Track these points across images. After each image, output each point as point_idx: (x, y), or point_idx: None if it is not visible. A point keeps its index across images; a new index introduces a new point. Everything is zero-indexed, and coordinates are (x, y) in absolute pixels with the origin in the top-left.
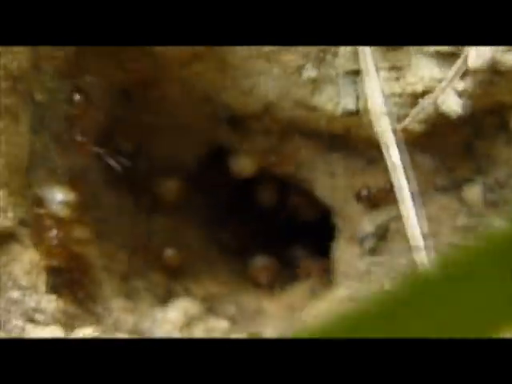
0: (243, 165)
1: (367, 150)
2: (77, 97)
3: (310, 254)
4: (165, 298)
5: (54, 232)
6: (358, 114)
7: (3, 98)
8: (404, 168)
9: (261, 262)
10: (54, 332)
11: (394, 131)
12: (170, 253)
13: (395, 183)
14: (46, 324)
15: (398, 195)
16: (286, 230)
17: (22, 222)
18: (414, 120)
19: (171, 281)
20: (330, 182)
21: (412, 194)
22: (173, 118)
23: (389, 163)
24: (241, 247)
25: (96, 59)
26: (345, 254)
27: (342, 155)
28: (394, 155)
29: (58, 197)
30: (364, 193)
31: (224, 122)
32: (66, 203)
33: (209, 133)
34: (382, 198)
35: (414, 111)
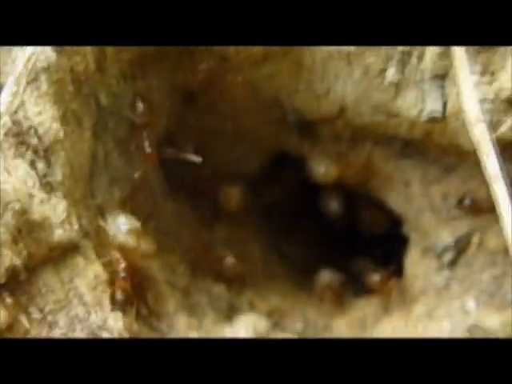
0: (325, 171)
1: (444, 158)
2: (140, 106)
3: (379, 268)
4: (228, 313)
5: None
6: (444, 121)
7: (69, 103)
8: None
9: (327, 278)
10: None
11: (491, 139)
12: (230, 262)
13: (495, 192)
14: None
15: (497, 204)
16: (353, 242)
17: (86, 235)
18: (509, 128)
19: (234, 294)
20: (404, 191)
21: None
22: (238, 122)
23: (487, 172)
24: (305, 260)
25: (160, 61)
26: (420, 267)
27: (417, 162)
28: (492, 164)
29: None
30: (467, 202)
31: (292, 128)
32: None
33: (275, 138)
34: (483, 207)
35: (511, 118)
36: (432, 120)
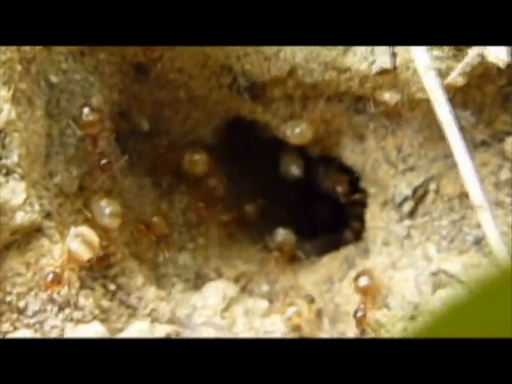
0: (303, 133)
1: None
2: (86, 112)
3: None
4: (196, 282)
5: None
6: (394, 72)
7: (18, 83)
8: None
9: (278, 238)
10: (96, 329)
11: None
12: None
13: (449, 139)
14: (85, 322)
15: (453, 150)
16: (312, 202)
17: (48, 215)
18: (459, 74)
19: (200, 263)
20: (359, 146)
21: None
22: (190, 91)
23: (441, 119)
24: (267, 223)
25: None
26: (380, 220)
27: (369, 117)
28: (445, 111)
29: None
30: None
31: (243, 92)
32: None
33: (228, 104)
34: None
35: (461, 64)
36: (382, 72)
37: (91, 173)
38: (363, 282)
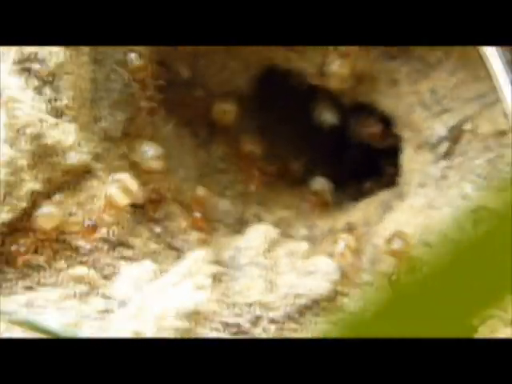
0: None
1: (428, 54)
2: (131, 58)
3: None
4: (236, 227)
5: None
6: None
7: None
8: None
9: (316, 185)
10: (148, 267)
11: None
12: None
13: (492, 68)
14: (137, 260)
15: (495, 80)
16: (346, 149)
17: (97, 157)
18: None
19: (240, 209)
20: (393, 91)
21: None
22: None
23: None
24: (305, 171)
25: None
26: (415, 162)
27: (402, 61)
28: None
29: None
30: None
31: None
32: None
33: (262, 53)
34: None
35: None
36: None
37: (135, 118)
38: (396, 244)
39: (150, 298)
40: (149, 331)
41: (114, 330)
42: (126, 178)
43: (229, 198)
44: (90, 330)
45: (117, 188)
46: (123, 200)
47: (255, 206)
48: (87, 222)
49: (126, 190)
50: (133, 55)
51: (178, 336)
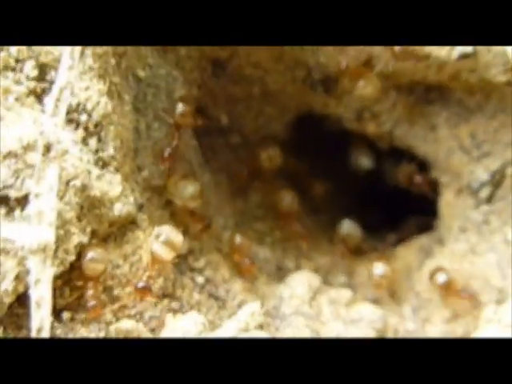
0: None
1: (468, 98)
2: (180, 107)
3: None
4: (277, 274)
5: None
6: (475, 55)
7: (112, 77)
8: None
9: (344, 230)
10: (195, 319)
11: None
12: None
13: None
14: (183, 312)
15: None
16: (381, 194)
17: (140, 208)
18: None
19: (279, 256)
20: (431, 135)
21: None
22: (264, 86)
23: None
24: (337, 216)
25: None
26: (455, 207)
27: (441, 106)
28: None
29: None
30: None
31: (317, 85)
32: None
33: (300, 98)
34: None
35: None
36: (463, 57)
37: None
38: (441, 278)
39: None
40: None
41: None
42: (170, 231)
43: (268, 244)
44: None
45: (162, 243)
46: (169, 255)
47: (293, 251)
48: (140, 284)
49: (171, 244)
50: (179, 104)
51: None
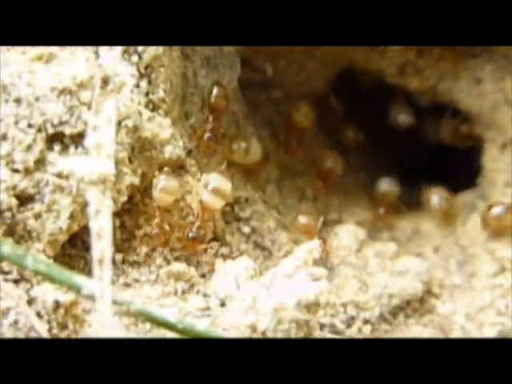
0: None
1: None
2: (215, 90)
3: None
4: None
5: None
6: None
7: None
8: None
9: (383, 188)
10: (245, 263)
11: None
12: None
13: None
14: (233, 257)
15: None
16: (424, 150)
17: (189, 153)
18: None
19: (321, 211)
20: (476, 89)
21: None
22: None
23: None
24: (374, 170)
25: None
26: (500, 162)
27: (485, 60)
28: None
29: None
30: None
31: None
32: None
33: (344, 52)
34: None
35: None
36: None
37: (219, 118)
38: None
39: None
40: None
41: (227, 324)
42: (220, 180)
43: (310, 199)
44: (204, 323)
45: (211, 191)
46: (218, 203)
47: (336, 207)
48: (191, 234)
49: (221, 192)
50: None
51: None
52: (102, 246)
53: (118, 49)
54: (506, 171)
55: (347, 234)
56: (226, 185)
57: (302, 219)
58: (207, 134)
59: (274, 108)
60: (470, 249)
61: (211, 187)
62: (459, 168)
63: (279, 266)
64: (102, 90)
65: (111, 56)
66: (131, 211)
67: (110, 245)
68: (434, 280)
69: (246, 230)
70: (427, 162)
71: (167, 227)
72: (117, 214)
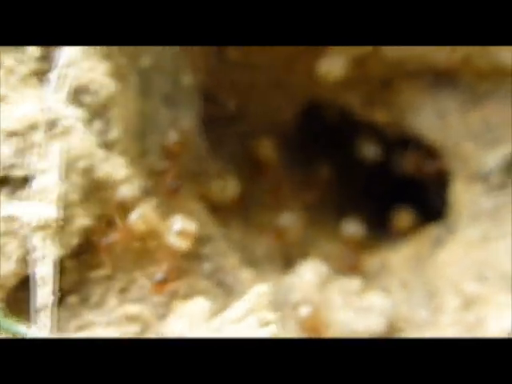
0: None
1: (478, 85)
2: (173, 135)
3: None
4: (284, 263)
5: None
6: None
7: (117, 58)
8: None
9: (349, 229)
10: (201, 304)
11: None
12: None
13: None
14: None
15: None
16: (390, 183)
17: (147, 193)
18: None
19: (286, 245)
20: (440, 122)
21: None
22: (270, 73)
23: None
24: (340, 204)
25: None
26: (466, 194)
27: (450, 92)
28: None
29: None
30: None
31: None
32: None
33: (307, 87)
34: None
35: None
36: None
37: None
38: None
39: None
40: None
41: None
42: (184, 221)
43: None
44: None
45: (176, 234)
46: (184, 245)
47: (300, 241)
48: (158, 277)
49: (186, 234)
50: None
51: None
52: (45, 292)
53: (66, 91)
54: (471, 204)
55: (309, 271)
56: (190, 226)
57: None
58: (169, 181)
59: (240, 142)
60: (437, 283)
61: (176, 229)
62: (428, 201)
63: (228, 310)
64: (47, 133)
65: (57, 99)
66: (85, 253)
67: (53, 291)
68: (400, 315)
69: (208, 267)
70: (396, 194)
71: None
72: (70, 256)
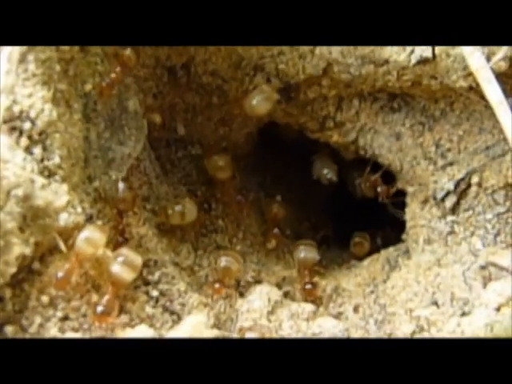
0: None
1: (432, 106)
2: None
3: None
4: (236, 288)
5: None
6: (434, 61)
7: (57, 83)
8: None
9: (301, 255)
10: (144, 332)
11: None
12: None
13: (500, 118)
14: (132, 326)
15: (504, 129)
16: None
17: (90, 219)
18: (502, 58)
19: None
20: (396, 144)
21: None
22: (223, 94)
23: (489, 98)
24: (299, 228)
25: None
26: (422, 218)
27: (405, 114)
28: (495, 89)
29: None
30: None
31: (277, 94)
32: None
33: None
34: None
35: (503, 48)
36: (422, 61)
37: (128, 178)
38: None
39: None
40: None
41: None
42: (128, 252)
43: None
44: None
45: (121, 265)
46: (128, 276)
47: (254, 265)
48: (100, 308)
49: (131, 265)
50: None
51: None
52: None
53: None
54: (426, 227)
55: (259, 296)
56: (136, 257)
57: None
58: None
59: (193, 164)
60: (390, 308)
61: (121, 260)
62: (386, 223)
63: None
64: None
65: None
66: (24, 281)
67: None
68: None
69: (155, 293)
70: (354, 216)
71: None
72: (9, 285)
